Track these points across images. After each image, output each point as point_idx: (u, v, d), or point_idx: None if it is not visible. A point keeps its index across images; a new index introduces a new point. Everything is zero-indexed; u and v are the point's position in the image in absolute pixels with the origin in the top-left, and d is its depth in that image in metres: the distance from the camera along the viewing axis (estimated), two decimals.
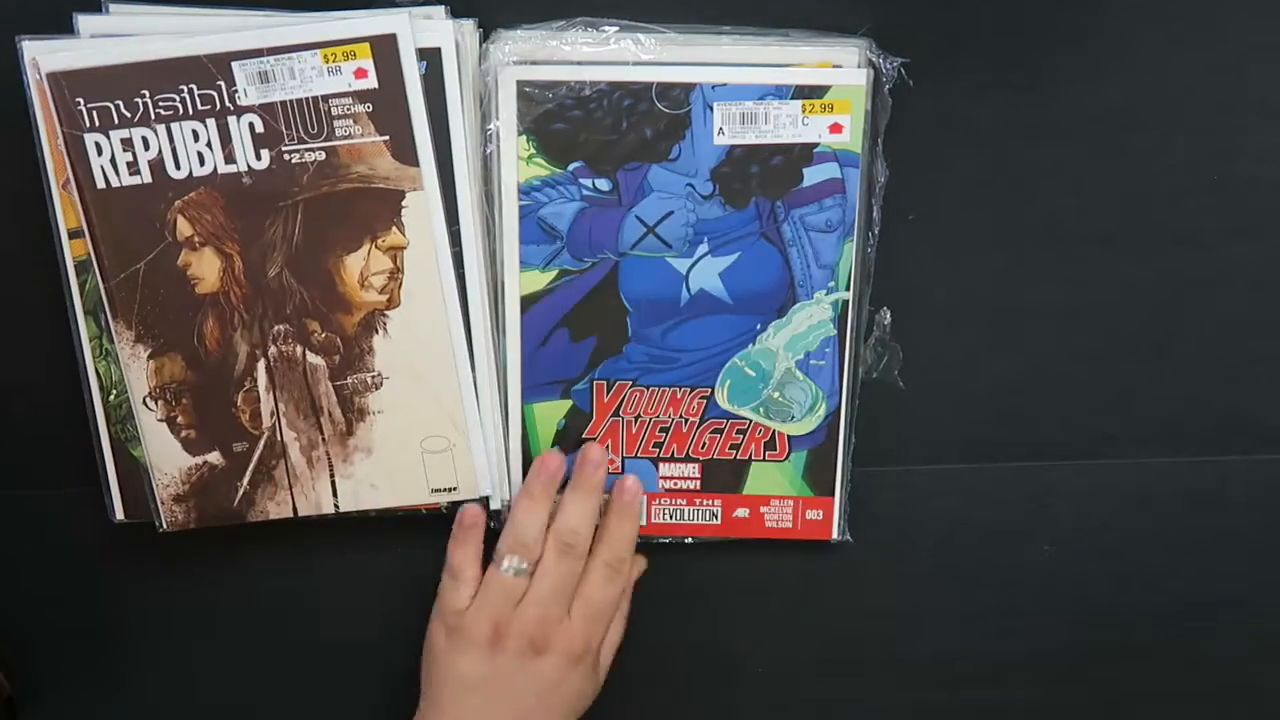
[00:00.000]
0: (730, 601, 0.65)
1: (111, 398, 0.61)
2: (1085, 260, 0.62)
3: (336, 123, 0.58)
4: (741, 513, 0.62)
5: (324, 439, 0.61)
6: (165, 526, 0.61)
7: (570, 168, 0.58)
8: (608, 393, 0.61)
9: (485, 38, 0.59)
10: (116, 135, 0.57)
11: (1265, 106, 0.61)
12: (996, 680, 0.66)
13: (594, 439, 0.61)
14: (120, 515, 0.62)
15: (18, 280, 0.62)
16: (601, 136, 0.58)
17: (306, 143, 0.58)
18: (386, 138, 0.58)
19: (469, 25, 0.58)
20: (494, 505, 0.62)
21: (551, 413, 0.61)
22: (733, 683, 0.66)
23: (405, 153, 0.58)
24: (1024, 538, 0.65)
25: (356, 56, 0.57)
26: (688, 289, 0.60)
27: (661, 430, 0.61)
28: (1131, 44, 0.60)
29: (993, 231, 0.62)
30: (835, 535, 0.63)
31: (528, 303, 0.60)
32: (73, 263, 0.60)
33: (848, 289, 0.60)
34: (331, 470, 0.62)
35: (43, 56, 0.56)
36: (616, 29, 0.58)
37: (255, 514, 0.62)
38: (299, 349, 0.60)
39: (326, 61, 0.57)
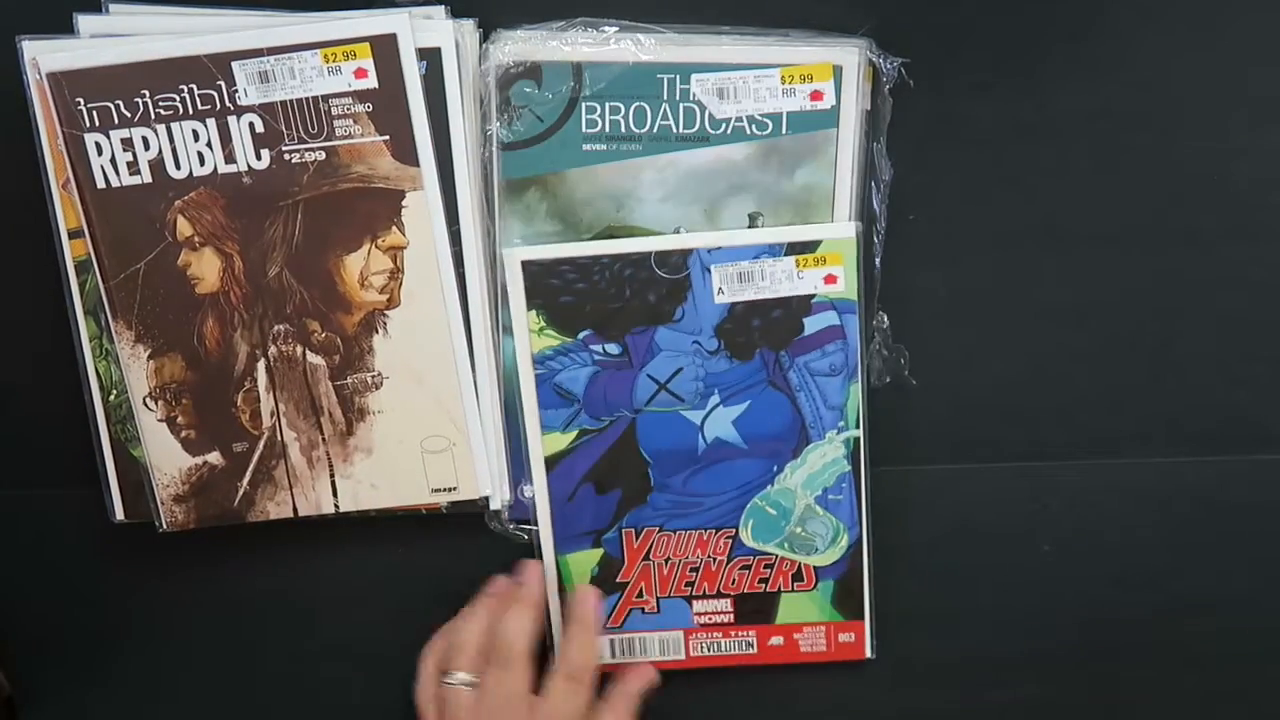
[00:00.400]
0: None
1: (111, 398, 0.61)
2: (1085, 260, 0.62)
3: (336, 122, 0.58)
4: (776, 640, 0.64)
5: (324, 439, 0.61)
6: (165, 526, 0.62)
7: (580, 336, 0.60)
8: (636, 539, 0.63)
9: (485, 38, 0.59)
10: (116, 135, 0.57)
11: (1265, 106, 0.61)
12: (997, 680, 0.66)
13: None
14: (120, 515, 0.62)
15: (18, 280, 0.62)
16: (607, 305, 0.60)
17: (306, 142, 0.58)
18: (386, 138, 0.58)
19: (469, 25, 0.58)
20: (494, 505, 0.62)
21: (585, 561, 0.63)
22: (733, 683, 0.66)
23: (405, 153, 0.58)
24: (1024, 538, 0.65)
25: (357, 56, 0.57)
26: (704, 438, 0.61)
27: (692, 570, 0.63)
28: (1131, 44, 0.60)
29: (993, 231, 0.62)
30: (869, 654, 0.64)
31: (552, 462, 0.62)
32: (73, 263, 0.60)
33: (858, 427, 0.62)
34: (331, 470, 0.62)
35: (43, 56, 0.56)
36: (616, 29, 0.58)
37: (255, 514, 0.62)
38: (299, 349, 0.60)
39: (327, 61, 0.57)
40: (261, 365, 0.60)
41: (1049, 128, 0.61)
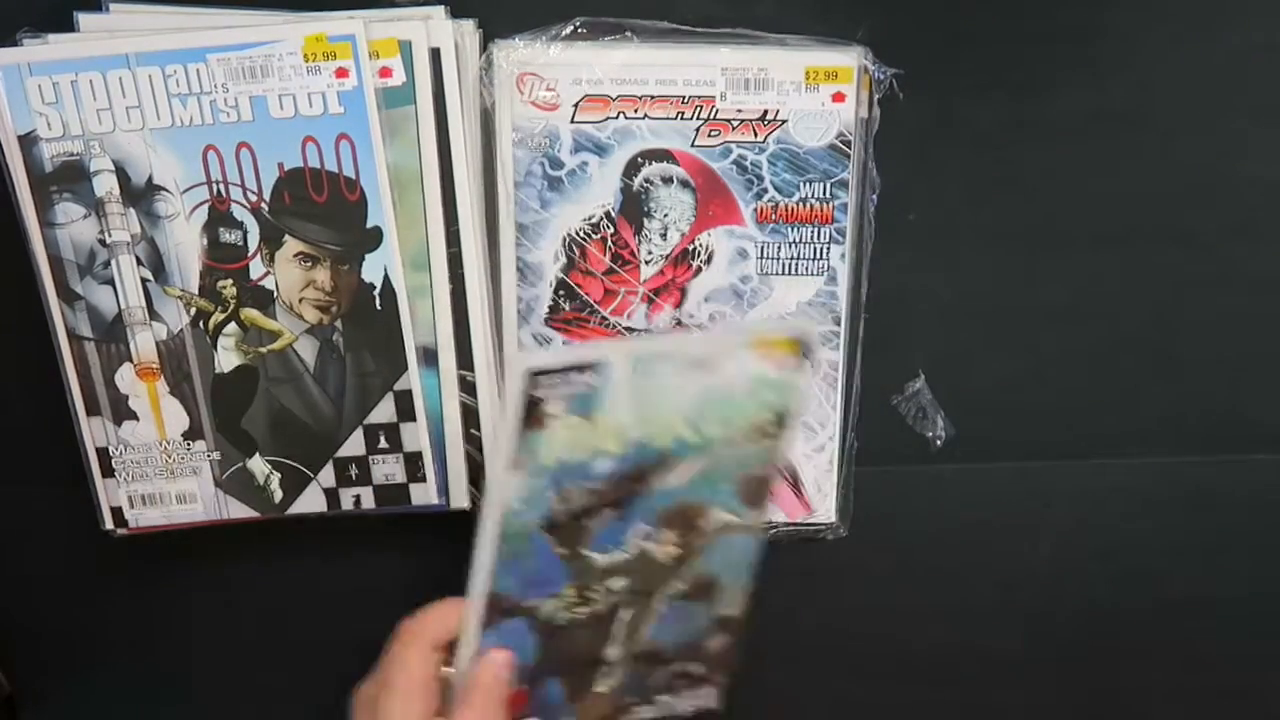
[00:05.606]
0: None
1: None
2: (1085, 260, 0.62)
3: None
4: None
5: None
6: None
7: None
8: None
9: (485, 39, 0.58)
10: None
11: (1265, 106, 0.61)
12: (996, 680, 0.66)
13: None
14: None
15: (12, 278, 0.61)
16: None
17: None
18: None
19: (469, 25, 0.58)
20: None
21: None
22: (733, 683, 0.66)
23: None
24: (1024, 538, 0.65)
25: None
26: None
27: None
28: (1131, 44, 0.60)
29: (993, 231, 0.62)
30: None
31: None
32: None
33: None
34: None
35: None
36: (614, 38, 0.58)
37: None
38: None
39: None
40: None
41: (1049, 128, 0.61)
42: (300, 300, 0.58)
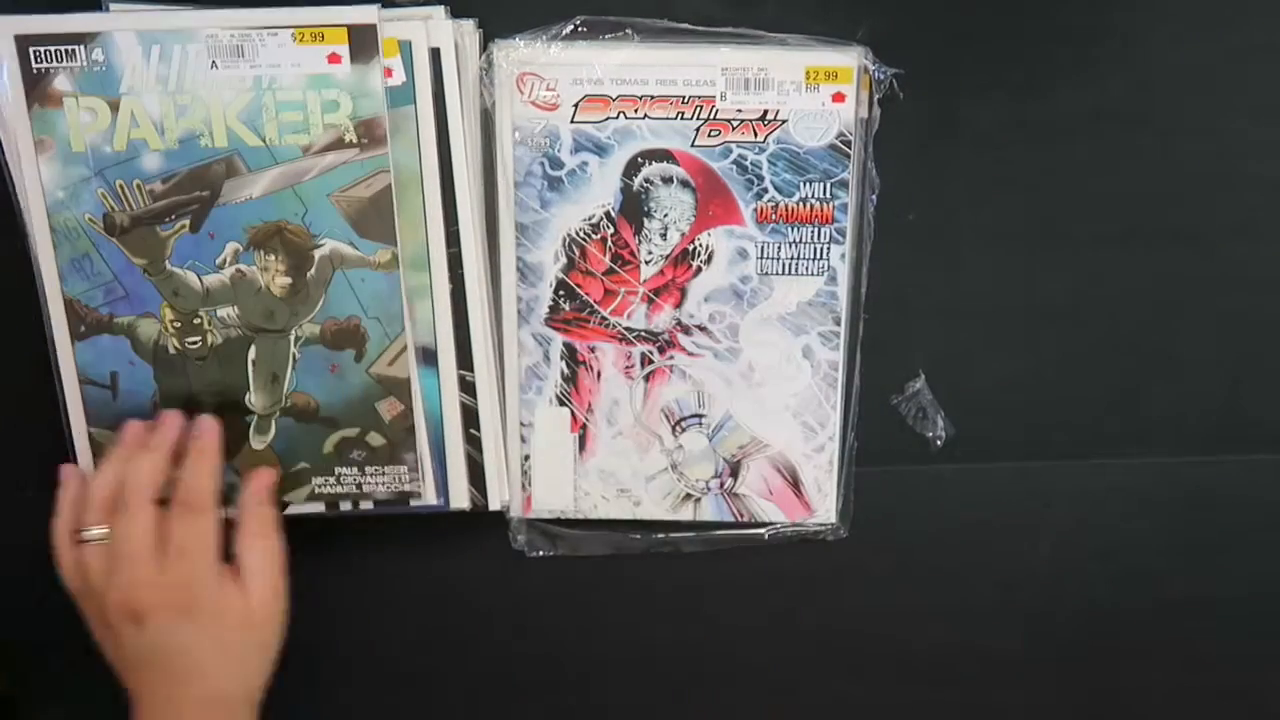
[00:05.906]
0: (730, 602, 0.65)
1: None
2: (1085, 260, 0.62)
3: None
4: None
5: None
6: None
7: None
8: None
9: (485, 39, 0.58)
10: None
11: (1265, 106, 0.61)
12: (996, 680, 0.66)
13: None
14: None
15: (14, 278, 0.61)
16: None
17: None
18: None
19: (469, 25, 0.58)
20: (493, 505, 0.62)
21: None
22: (733, 683, 0.66)
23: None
24: (1024, 538, 0.65)
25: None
26: None
27: None
28: (1131, 44, 0.60)
29: (993, 231, 0.62)
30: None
31: None
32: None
33: None
34: None
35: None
36: (614, 37, 0.58)
37: None
38: None
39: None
40: None
41: (1049, 128, 0.61)
42: None
